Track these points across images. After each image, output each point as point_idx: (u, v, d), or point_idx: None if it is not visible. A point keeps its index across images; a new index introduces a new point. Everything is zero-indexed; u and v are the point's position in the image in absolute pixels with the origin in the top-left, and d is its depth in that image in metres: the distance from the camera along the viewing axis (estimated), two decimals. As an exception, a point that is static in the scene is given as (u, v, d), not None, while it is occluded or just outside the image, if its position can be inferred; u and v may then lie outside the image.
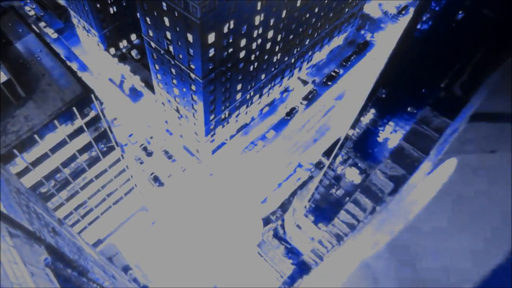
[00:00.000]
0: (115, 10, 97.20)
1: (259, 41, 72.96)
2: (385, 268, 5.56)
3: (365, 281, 6.02)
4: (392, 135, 46.87)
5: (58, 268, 19.16)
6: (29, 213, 21.33)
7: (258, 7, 64.21)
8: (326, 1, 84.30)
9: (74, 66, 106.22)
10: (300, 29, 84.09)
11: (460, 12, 31.57)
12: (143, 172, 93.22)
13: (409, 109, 42.48)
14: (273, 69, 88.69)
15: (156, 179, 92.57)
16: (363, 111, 44.95)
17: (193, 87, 71.49)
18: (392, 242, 5.58)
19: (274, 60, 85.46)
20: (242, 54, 71.52)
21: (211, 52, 63.52)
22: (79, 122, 50.95)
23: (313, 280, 15.74)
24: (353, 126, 48.14)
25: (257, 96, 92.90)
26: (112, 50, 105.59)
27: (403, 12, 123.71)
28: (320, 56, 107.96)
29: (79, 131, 52.15)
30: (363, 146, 52.37)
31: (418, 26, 33.65)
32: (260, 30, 70.26)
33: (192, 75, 68.37)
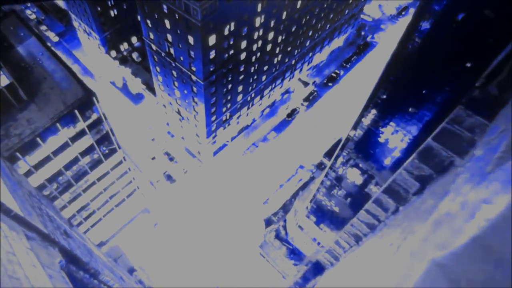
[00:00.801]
0: (115, 13, 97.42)
1: (260, 42, 73.13)
2: (468, 268, 5.41)
3: (439, 281, 5.82)
4: (393, 136, 47.01)
5: (71, 271, 19.27)
6: (42, 215, 21.44)
7: (259, 9, 64.39)
8: (326, 3, 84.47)
9: (75, 69, 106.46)
10: (301, 31, 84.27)
11: (460, 12, 31.72)
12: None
13: (410, 109, 42.64)
14: (273, 71, 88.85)
15: (169, 177, 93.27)
16: (364, 112, 45.10)
17: (194, 89, 71.67)
18: (472, 242, 5.40)
19: (275, 61, 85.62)
20: (242, 55, 71.69)
21: (212, 54, 63.70)
22: (81, 124, 51.13)
23: (331, 280, 15.76)
24: (354, 127, 48.29)
25: (258, 97, 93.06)
26: (113, 53, 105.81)
27: (403, 13, 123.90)
28: (320, 57, 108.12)
29: (81, 134, 52.34)
30: (364, 147, 52.51)
31: (419, 27, 33.80)
32: (261, 32, 70.43)
33: (193, 77, 68.55)
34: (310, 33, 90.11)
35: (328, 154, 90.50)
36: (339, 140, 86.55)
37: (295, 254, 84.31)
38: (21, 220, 15.97)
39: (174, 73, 73.88)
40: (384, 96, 43.07)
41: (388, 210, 10.04)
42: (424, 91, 40.22)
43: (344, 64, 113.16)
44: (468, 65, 35.49)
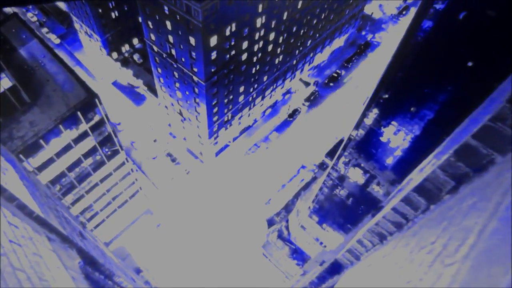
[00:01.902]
0: (117, 14, 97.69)
1: (261, 43, 73.24)
2: None
3: None
4: (395, 135, 47.07)
5: (88, 272, 19.35)
6: (59, 217, 21.52)
7: (260, 10, 64.51)
8: (327, 3, 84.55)
9: (77, 71, 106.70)
10: (302, 31, 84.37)
11: (462, 12, 31.77)
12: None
13: (412, 109, 42.71)
14: (275, 71, 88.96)
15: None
16: (366, 111, 45.16)
17: (196, 90, 71.81)
18: None
19: (276, 62, 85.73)
20: (244, 56, 71.82)
21: (213, 55, 63.83)
22: (83, 126, 51.29)
23: (353, 280, 15.62)
24: (356, 127, 48.36)
25: (260, 98, 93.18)
26: (115, 55, 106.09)
27: (404, 13, 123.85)
28: (321, 57, 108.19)
29: (83, 136, 52.50)
30: (366, 147, 52.59)
31: (421, 26, 33.86)
32: (262, 32, 70.54)
33: (195, 78, 68.69)
34: (311, 33, 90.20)
35: (330, 154, 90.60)
36: (341, 140, 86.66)
37: (298, 254, 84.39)
38: (42, 221, 16.02)
39: (176, 74, 74.04)
40: (386, 96, 43.16)
41: (418, 208, 9.98)
42: (426, 90, 40.28)
43: (345, 64, 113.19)
44: (470, 64, 35.54)
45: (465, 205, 6.85)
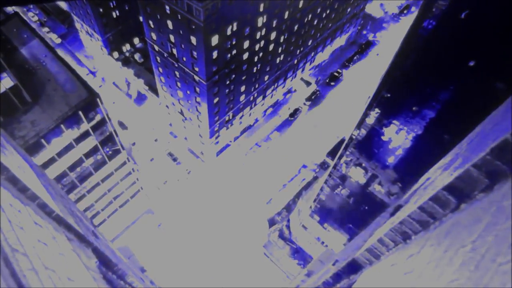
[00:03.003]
0: (118, 14, 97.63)
1: (262, 42, 73.21)
2: None
3: None
4: (397, 134, 47.02)
5: (103, 272, 19.28)
6: (74, 216, 21.47)
7: (261, 9, 64.46)
8: (328, 2, 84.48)
9: (77, 70, 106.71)
10: (303, 30, 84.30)
11: (463, 11, 31.69)
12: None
13: (414, 108, 42.64)
14: (276, 70, 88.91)
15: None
16: (368, 110, 45.12)
17: (197, 90, 71.79)
18: None
19: (277, 61, 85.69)
20: (245, 56, 71.78)
21: (215, 54, 63.79)
22: (85, 126, 51.29)
23: (374, 279, 15.52)
24: (358, 126, 48.31)
25: (261, 97, 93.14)
26: (116, 54, 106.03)
27: (405, 12, 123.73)
28: (322, 56, 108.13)
29: (85, 135, 52.51)
30: (368, 146, 52.54)
31: (423, 25, 33.80)
32: (263, 32, 70.51)
33: (196, 78, 68.66)
34: (312, 33, 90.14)
35: (331, 153, 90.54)
36: (342, 140, 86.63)
37: (299, 253, 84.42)
38: (61, 221, 15.96)
39: (177, 73, 74.01)
40: (388, 95, 43.09)
41: (448, 207, 9.90)
42: (427, 90, 40.22)
43: (346, 63, 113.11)
44: (471, 63, 35.48)
45: (506, 204, 6.76)
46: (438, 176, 12.87)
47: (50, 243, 12.10)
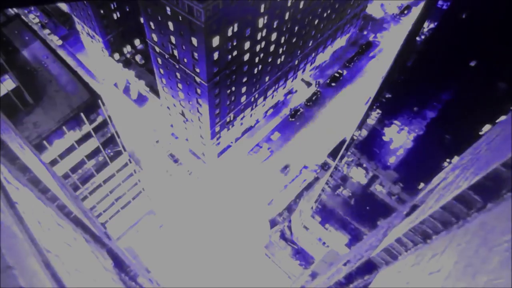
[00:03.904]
0: (118, 15, 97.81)
1: (263, 43, 73.30)
2: None
3: None
4: (398, 134, 47.07)
5: (118, 273, 19.31)
6: (87, 217, 21.53)
7: (262, 10, 64.56)
8: (328, 3, 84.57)
9: (79, 72, 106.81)
10: (303, 31, 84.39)
11: (464, 13, 31.78)
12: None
13: (415, 109, 42.70)
14: (277, 71, 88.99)
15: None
16: (369, 111, 45.19)
17: (198, 91, 71.88)
18: None
19: (278, 62, 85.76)
20: (246, 56, 71.87)
21: (216, 55, 63.88)
22: (86, 127, 51.37)
23: (394, 280, 15.47)
24: (359, 127, 48.36)
25: (262, 98, 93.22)
26: (117, 56, 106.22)
27: (406, 12, 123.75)
28: (323, 57, 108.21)
29: (87, 137, 52.57)
30: (369, 147, 52.61)
31: (424, 25, 33.88)
32: (264, 33, 70.60)
33: (197, 79, 68.75)
34: (313, 34, 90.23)
35: (332, 154, 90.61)
36: (343, 140, 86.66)
37: (300, 254, 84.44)
38: (78, 222, 16.00)
39: (178, 75, 74.10)
40: (389, 95, 43.17)
41: (473, 207, 9.89)
42: (429, 90, 40.29)
43: (347, 64, 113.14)
44: (472, 64, 35.55)
45: None
46: (460, 176, 12.86)
47: (72, 244, 12.14)
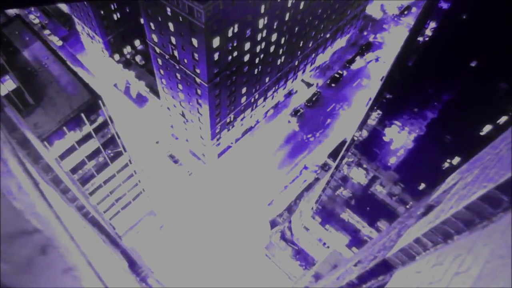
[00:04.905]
0: (118, 16, 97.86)
1: (263, 44, 73.35)
2: None
3: None
4: (398, 135, 47.07)
5: (132, 274, 19.26)
6: (101, 218, 21.53)
7: (262, 10, 64.61)
8: (328, 4, 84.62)
9: (79, 72, 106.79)
10: (304, 32, 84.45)
11: (465, 13, 31.80)
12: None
13: (415, 109, 42.71)
14: (277, 72, 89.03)
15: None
16: (370, 112, 45.20)
17: (199, 92, 71.89)
18: None
19: (278, 63, 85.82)
20: (246, 57, 71.91)
21: (216, 56, 63.91)
22: (87, 128, 51.35)
23: (415, 281, 15.37)
24: (360, 128, 48.37)
25: (262, 99, 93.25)
26: (117, 56, 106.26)
27: (405, 13, 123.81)
28: (323, 58, 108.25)
29: (87, 137, 52.55)
30: (369, 147, 52.62)
31: (425, 26, 33.90)
32: (264, 33, 70.64)
33: (198, 80, 68.77)
34: (313, 34, 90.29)
35: (333, 155, 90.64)
36: (344, 141, 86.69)
37: (300, 254, 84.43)
38: (95, 222, 16.00)
39: (178, 75, 74.12)
40: (390, 96, 43.18)
41: (499, 206, 9.83)
42: (429, 90, 40.32)
43: (347, 65, 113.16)
44: (473, 64, 35.57)
45: None
46: (481, 176, 12.79)
47: (96, 245, 12.13)
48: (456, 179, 18.32)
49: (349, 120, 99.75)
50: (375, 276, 20.29)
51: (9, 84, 44.70)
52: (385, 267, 18.91)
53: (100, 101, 50.35)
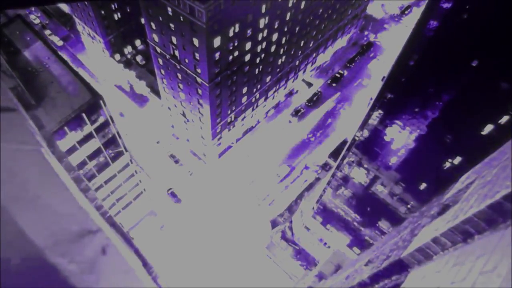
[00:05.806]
0: (119, 16, 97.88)
1: (264, 44, 73.33)
2: None
3: None
4: (399, 134, 47.03)
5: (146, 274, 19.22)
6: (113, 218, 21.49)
7: (263, 10, 64.59)
8: (329, 3, 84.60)
9: (79, 72, 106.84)
10: (304, 31, 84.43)
11: (466, 13, 31.77)
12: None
13: (416, 109, 42.68)
14: (278, 72, 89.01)
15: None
16: (371, 111, 45.16)
17: (199, 91, 71.88)
18: None
19: (279, 62, 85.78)
20: (247, 57, 71.89)
21: (217, 56, 63.90)
22: (88, 128, 51.37)
23: (435, 281, 15.25)
24: (361, 127, 48.34)
25: (263, 99, 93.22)
26: (117, 56, 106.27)
27: (406, 12, 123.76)
28: (324, 57, 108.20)
29: (88, 137, 52.57)
30: (370, 147, 52.58)
31: (426, 25, 33.86)
32: (265, 33, 70.62)
33: (198, 80, 68.76)
34: (314, 34, 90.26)
35: (333, 154, 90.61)
36: (344, 141, 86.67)
37: (301, 254, 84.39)
38: (112, 223, 15.98)
39: (179, 75, 74.11)
40: (391, 96, 43.15)
41: None
42: (430, 90, 40.28)
43: (348, 65, 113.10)
44: (474, 64, 35.54)
45: None
46: (501, 174, 12.68)
47: (117, 245, 12.07)
48: (472, 178, 18.19)
49: (349, 120, 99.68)
50: (389, 276, 20.15)
51: (9, 84, 44.68)
52: (399, 267, 18.77)
53: (101, 101, 50.36)
